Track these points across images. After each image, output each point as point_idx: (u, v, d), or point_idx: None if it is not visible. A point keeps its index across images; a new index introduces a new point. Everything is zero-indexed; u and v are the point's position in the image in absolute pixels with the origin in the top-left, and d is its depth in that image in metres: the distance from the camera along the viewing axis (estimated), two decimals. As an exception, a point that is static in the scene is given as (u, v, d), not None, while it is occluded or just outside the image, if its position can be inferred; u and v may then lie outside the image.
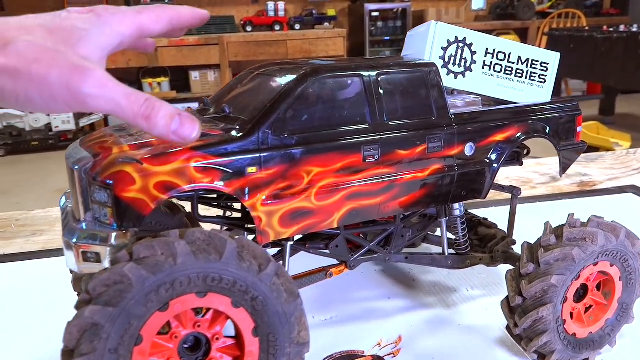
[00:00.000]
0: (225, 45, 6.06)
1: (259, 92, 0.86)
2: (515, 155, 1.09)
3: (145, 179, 0.70)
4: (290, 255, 0.90)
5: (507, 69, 1.00)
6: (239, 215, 0.97)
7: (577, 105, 1.05)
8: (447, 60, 0.96)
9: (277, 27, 6.39)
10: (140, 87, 6.12)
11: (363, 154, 0.83)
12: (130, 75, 6.24)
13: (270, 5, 6.47)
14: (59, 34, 0.57)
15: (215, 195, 0.94)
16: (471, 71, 0.98)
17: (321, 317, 1.07)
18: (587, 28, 5.76)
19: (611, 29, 5.11)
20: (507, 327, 0.93)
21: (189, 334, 0.69)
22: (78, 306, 0.63)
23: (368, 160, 0.84)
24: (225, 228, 0.96)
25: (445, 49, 0.96)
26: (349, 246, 0.98)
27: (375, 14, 6.86)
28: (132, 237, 0.71)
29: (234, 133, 0.77)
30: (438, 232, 1.12)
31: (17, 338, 1.04)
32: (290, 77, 0.83)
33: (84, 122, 5.77)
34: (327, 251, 0.96)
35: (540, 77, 1.02)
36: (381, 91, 0.86)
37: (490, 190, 0.99)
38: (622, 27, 5.26)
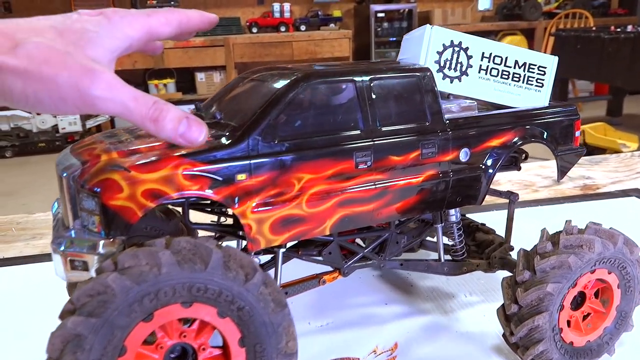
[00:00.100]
0: (231, 47, 6.06)
1: (250, 98, 0.85)
2: (513, 160, 1.07)
3: (132, 187, 0.69)
4: (283, 263, 0.90)
5: (504, 73, 0.98)
6: (231, 221, 0.96)
7: (576, 109, 1.04)
8: (442, 64, 0.95)
9: (282, 29, 6.38)
10: (146, 89, 6.14)
11: (355, 160, 0.82)
12: (137, 77, 6.26)
13: (276, 6, 6.46)
14: (68, 36, 0.57)
15: (208, 201, 0.93)
16: (467, 75, 0.97)
17: (317, 323, 1.06)
18: (594, 28, 5.72)
19: (619, 29, 5.06)
20: (504, 335, 0.91)
21: (175, 344, 0.68)
22: (62, 316, 0.62)
23: (360, 166, 0.83)
24: (217, 235, 0.96)
25: (440, 53, 0.95)
26: (343, 253, 0.97)
27: (381, 14, 6.84)
28: (119, 245, 0.70)
29: (223, 140, 0.76)
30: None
31: (16, 342, 1.04)
32: (281, 83, 0.82)
33: (90, 123, 5.80)
34: (320, 258, 0.95)
35: (538, 81, 1.01)
36: (374, 96, 0.85)
37: (488, 195, 0.97)
38: (629, 27, 5.22)
